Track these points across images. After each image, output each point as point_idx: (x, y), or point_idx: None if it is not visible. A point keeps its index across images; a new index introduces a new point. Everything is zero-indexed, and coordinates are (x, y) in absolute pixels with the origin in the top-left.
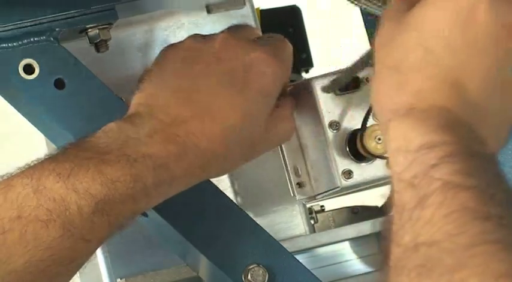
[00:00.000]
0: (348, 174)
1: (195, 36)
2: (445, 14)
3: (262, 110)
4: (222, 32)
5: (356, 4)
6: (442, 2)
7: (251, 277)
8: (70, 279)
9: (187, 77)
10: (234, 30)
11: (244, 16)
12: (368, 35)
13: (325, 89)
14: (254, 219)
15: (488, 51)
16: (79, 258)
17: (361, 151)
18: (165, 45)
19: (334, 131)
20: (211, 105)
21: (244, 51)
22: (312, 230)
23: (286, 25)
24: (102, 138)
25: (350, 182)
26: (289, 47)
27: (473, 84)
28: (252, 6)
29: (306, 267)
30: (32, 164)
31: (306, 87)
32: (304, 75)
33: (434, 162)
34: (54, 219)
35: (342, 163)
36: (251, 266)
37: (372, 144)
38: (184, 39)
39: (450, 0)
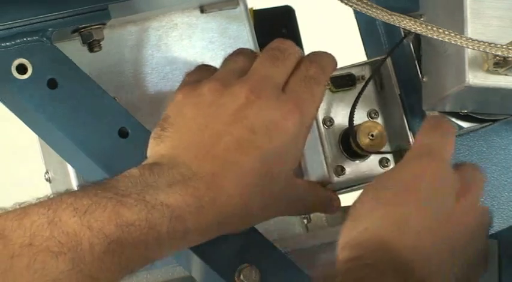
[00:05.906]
0: (341, 170)
1: (215, 84)
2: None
3: (284, 168)
4: (244, 82)
5: (346, 3)
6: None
7: (244, 277)
8: None
9: (209, 133)
10: (257, 80)
11: (237, 16)
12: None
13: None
14: None
15: None
16: None
17: (354, 148)
18: (158, 45)
19: (327, 127)
20: (232, 162)
21: (267, 110)
22: (305, 229)
23: (280, 25)
24: (123, 181)
25: (342, 178)
26: (323, 84)
27: None
28: (245, 6)
29: (298, 267)
30: (51, 196)
31: None
32: None
33: None
34: (65, 253)
35: (335, 159)
36: (244, 266)
37: (365, 141)
38: (203, 85)
39: None
